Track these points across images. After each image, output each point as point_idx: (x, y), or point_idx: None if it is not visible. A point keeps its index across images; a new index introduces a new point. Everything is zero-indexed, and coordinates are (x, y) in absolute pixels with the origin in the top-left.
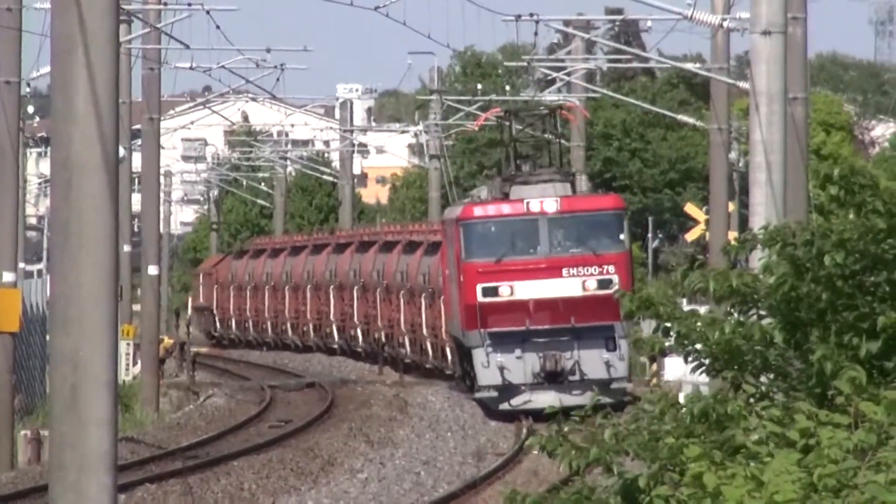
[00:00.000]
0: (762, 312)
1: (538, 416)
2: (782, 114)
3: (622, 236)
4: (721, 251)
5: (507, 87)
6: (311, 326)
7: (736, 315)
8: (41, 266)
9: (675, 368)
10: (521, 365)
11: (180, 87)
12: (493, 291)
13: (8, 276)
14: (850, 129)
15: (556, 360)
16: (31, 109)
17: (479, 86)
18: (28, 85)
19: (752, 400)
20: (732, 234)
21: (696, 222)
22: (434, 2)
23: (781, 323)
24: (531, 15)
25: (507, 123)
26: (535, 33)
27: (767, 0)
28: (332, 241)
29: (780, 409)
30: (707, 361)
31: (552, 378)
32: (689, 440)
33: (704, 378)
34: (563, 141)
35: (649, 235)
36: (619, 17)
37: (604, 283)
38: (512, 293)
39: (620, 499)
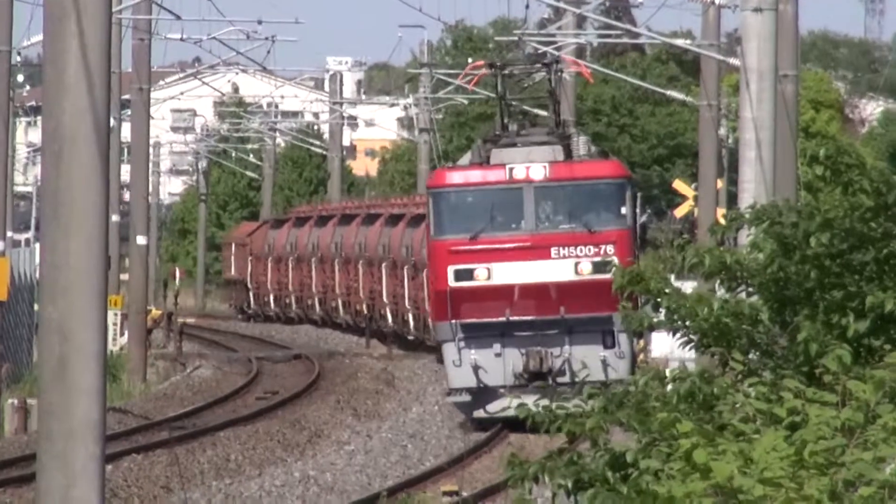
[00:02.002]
0: (750, 290)
1: (517, 424)
2: (772, 91)
3: (624, 210)
4: (708, 231)
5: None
6: (364, 306)
7: (724, 292)
8: (30, 235)
9: (662, 344)
10: (499, 363)
11: (170, 57)
12: (467, 275)
13: None
14: (839, 107)
15: (542, 357)
16: (21, 78)
17: (470, 60)
18: (18, 54)
19: (739, 377)
20: (721, 211)
21: (684, 198)
22: None
23: (769, 301)
24: None
25: (497, 77)
26: (527, 7)
27: None
28: (385, 212)
29: (768, 385)
30: (695, 338)
31: (537, 379)
32: (681, 415)
33: (691, 354)
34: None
35: (637, 211)
36: None
37: (601, 266)
38: (489, 277)
39: (610, 470)
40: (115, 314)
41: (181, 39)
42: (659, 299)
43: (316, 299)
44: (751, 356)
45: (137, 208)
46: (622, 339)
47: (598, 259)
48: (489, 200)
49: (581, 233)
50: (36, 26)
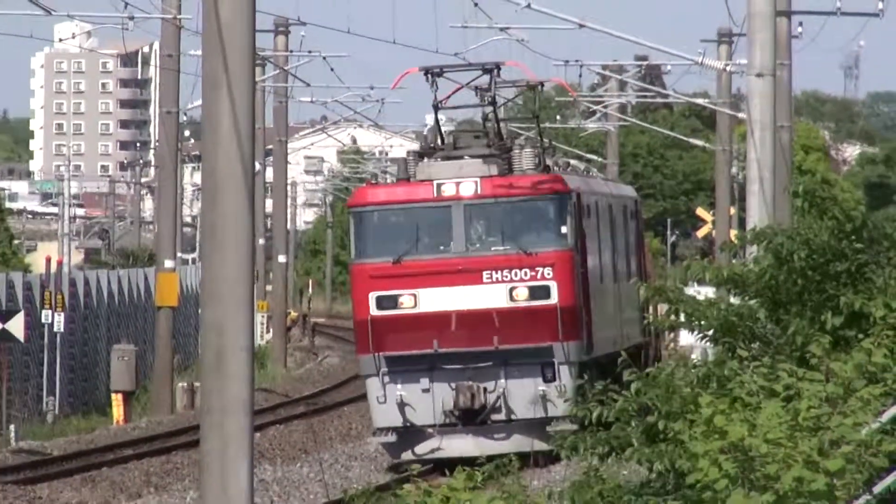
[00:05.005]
0: (750, 294)
1: (448, 467)
2: (772, 138)
3: (565, 229)
4: (719, 249)
5: (558, 117)
6: None
7: (731, 297)
8: (195, 255)
9: (689, 336)
10: (427, 400)
11: (303, 116)
12: (390, 302)
13: (168, 263)
14: (825, 151)
15: (475, 393)
16: (187, 133)
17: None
18: (185, 114)
19: (745, 362)
20: (733, 233)
21: (704, 222)
22: (501, 48)
23: (766, 303)
24: (576, 60)
25: (434, 86)
26: (580, 76)
27: (760, 49)
28: None
29: (767, 368)
30: (710, 333)
31: (469, 417)
32: (702, 390)
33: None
34: (500, 106)
35: (668, 233)
36: (645, 63)
37: (538, 292)
38: (415, 304)
39: (644, 437)
40: (262, 316)
41: (311, 101)
42: (677, 306)
43: None
44: (753, 346)
45: (278, 234)
46: (563, 371)
47: (535, 284)
48: (414, 220)
49: (516, 255)
50: (198, 93)
